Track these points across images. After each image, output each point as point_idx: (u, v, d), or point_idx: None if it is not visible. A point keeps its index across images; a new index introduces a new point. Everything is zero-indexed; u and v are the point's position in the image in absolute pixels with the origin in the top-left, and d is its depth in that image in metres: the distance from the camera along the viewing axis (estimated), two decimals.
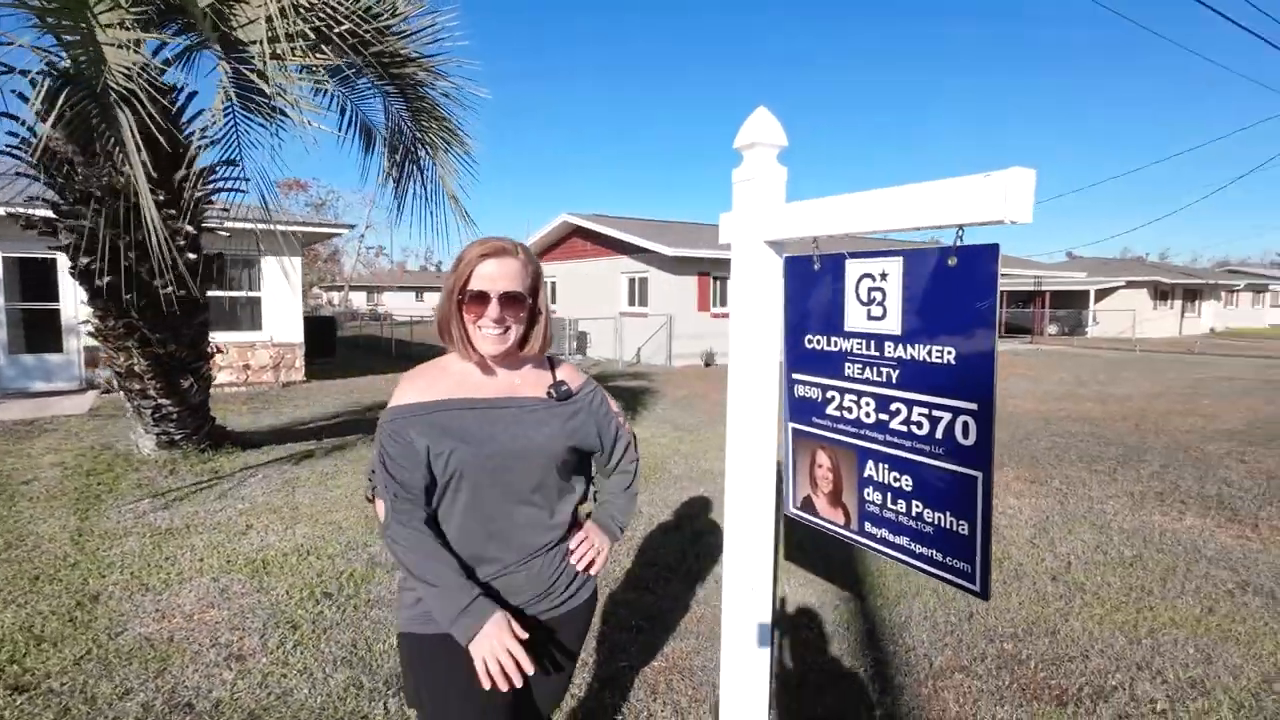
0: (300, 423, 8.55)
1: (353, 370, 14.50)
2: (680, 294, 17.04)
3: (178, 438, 5.96)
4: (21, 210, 4.95)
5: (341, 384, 12.46)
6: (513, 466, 1.49)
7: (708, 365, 16.83)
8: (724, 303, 17.97)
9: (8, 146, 4.60)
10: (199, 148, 3.69)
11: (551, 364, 1.66)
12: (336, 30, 3.70)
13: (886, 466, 1.64)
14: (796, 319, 1.87)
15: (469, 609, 1.34)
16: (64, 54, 3.96)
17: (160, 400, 5.58)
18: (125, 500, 5.14)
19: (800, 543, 4.22)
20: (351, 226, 4.57)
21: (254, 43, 3.57)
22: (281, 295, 12.11)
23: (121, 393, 5.77)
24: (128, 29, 3.21)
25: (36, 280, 10.65)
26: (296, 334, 12.44)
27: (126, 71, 3.14)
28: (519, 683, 1.31)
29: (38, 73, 4.04)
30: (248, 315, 12.07)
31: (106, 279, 4.48)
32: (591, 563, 1.64)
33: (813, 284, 1.81)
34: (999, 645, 3.16)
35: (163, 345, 5.23)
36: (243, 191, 4.73)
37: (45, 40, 3.75)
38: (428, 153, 5.01)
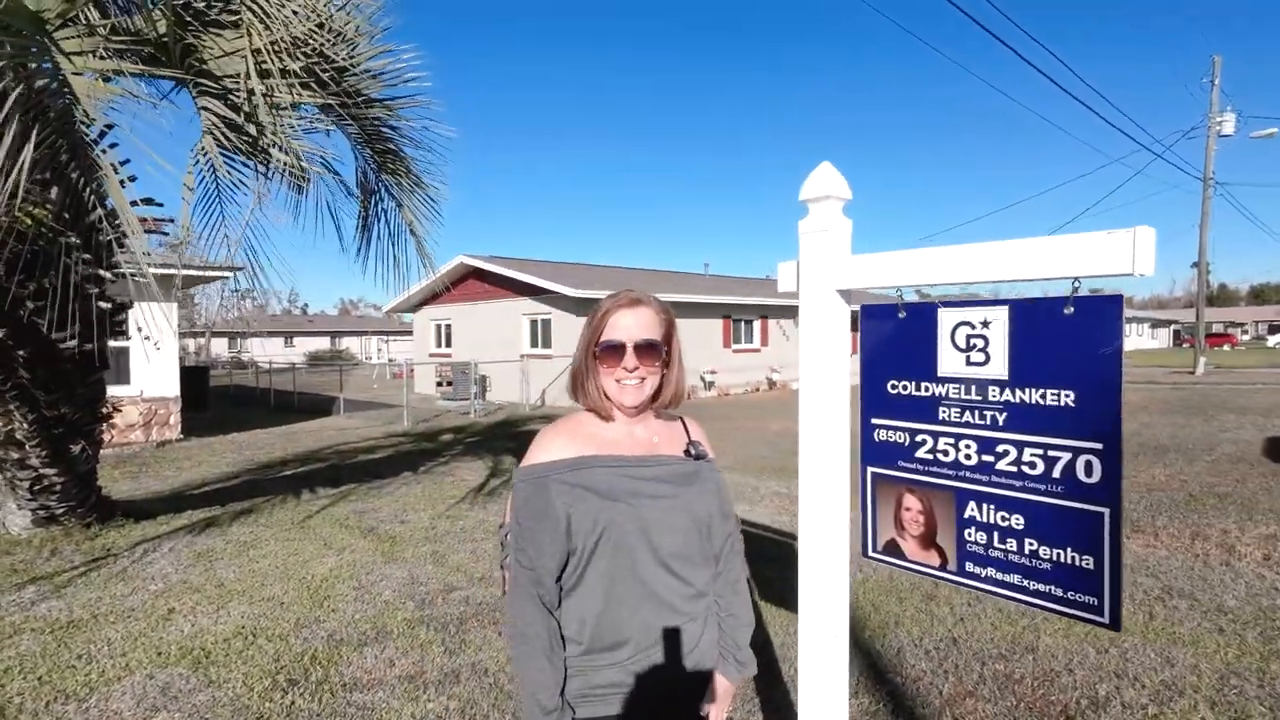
0: (192, 486, 7.68)
1: (232, 425, 13.28)
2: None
3: (59, 512, 5.17)
4: None
5: (226, 440, 11.35)
6: (660, 529, 1.42)
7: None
8: None
9: None
10: (120, 182, 3.28)
11: (683, 421, 1.62)
12: (320, 69, 3.45)
13: (992, 507, 1.69)
14: (875, 365, 1.92)
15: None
16: None
17: (43, 470, 4.82)
18: (2, 591, 4.38)
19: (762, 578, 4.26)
20: (235, 270, 4.19)
21: (233, 76, 3.26)
22: (152, 345, 10.93)
23: None
24: (101, 58, 2.83)
25: None
26: (171, 387, 11.26)
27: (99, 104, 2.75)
28: None
29: None
30: (114, 368, 10.78)
31: (0, 332, 3.85)
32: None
33: (896, 331, 1.86)
34: (992, 667, 3.31)
35: (54, 406, 4.54)
36: (164, 234, 4.27)
37: None
38: (391, 195, 4.74)
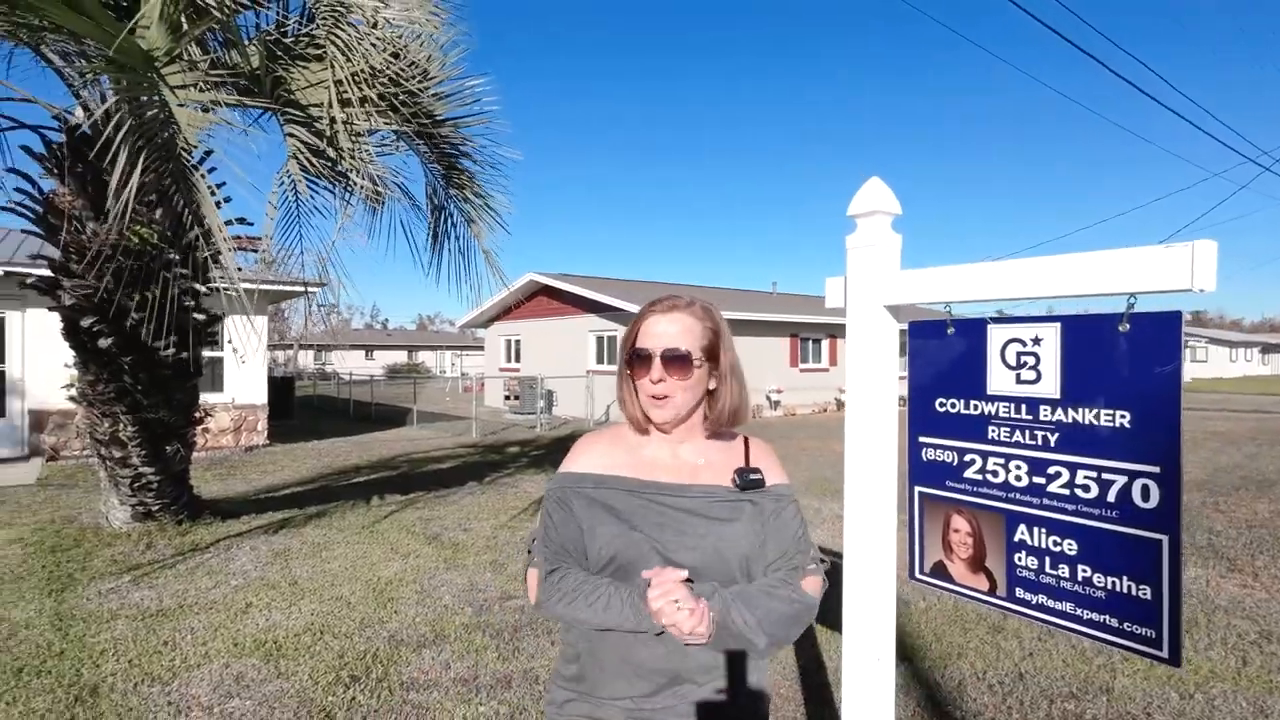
0: (275, 489, 8.12)
1: (314, 433, 13.97)
2: None
3: (155, 509, 5.58)
4: (21, 270, 4.67)
5: (307, 447, 11.95)
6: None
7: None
8: None
9: (11, 202, 4.37)
10: (216, 204, 3.57)
11: (747, 444, 1.42)
12: (394, 97, 3.70)
13: (1043, 530, 1.63)
14: (923, 382, 1.88)
15: (630, 597, 1.18)
16: (74, 110, 3.82)
17: (142, 469, 5.23)
18: (103, 579, 4.74)
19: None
20: (319, 285, 4.47)
21: (317, 105, 3.55)
22: (244, 355, 11.66)
23: (98, 460, 5.38)
24: (201, 90, 3.13)
25: None
26: (260, 396, 11.96)
27: (201, 132, 3.04)
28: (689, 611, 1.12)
29: (45, 128, 3.88)
30: (208, 376, 11.54)
31: (108, 340, 4.22)
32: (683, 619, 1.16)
33: (944, 348, 1.83)
34: (1061, 706, 3.14)
35: (154, 410, 4.93)
36: (254, 250, 4.61)
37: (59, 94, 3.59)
38: (461, 211, 4.99)
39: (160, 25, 3.07)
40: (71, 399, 5.07)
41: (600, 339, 18.65)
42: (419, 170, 4.96)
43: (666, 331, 1.32)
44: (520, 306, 21.43)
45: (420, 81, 4.06)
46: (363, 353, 55.74)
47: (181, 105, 2.94)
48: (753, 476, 1.34)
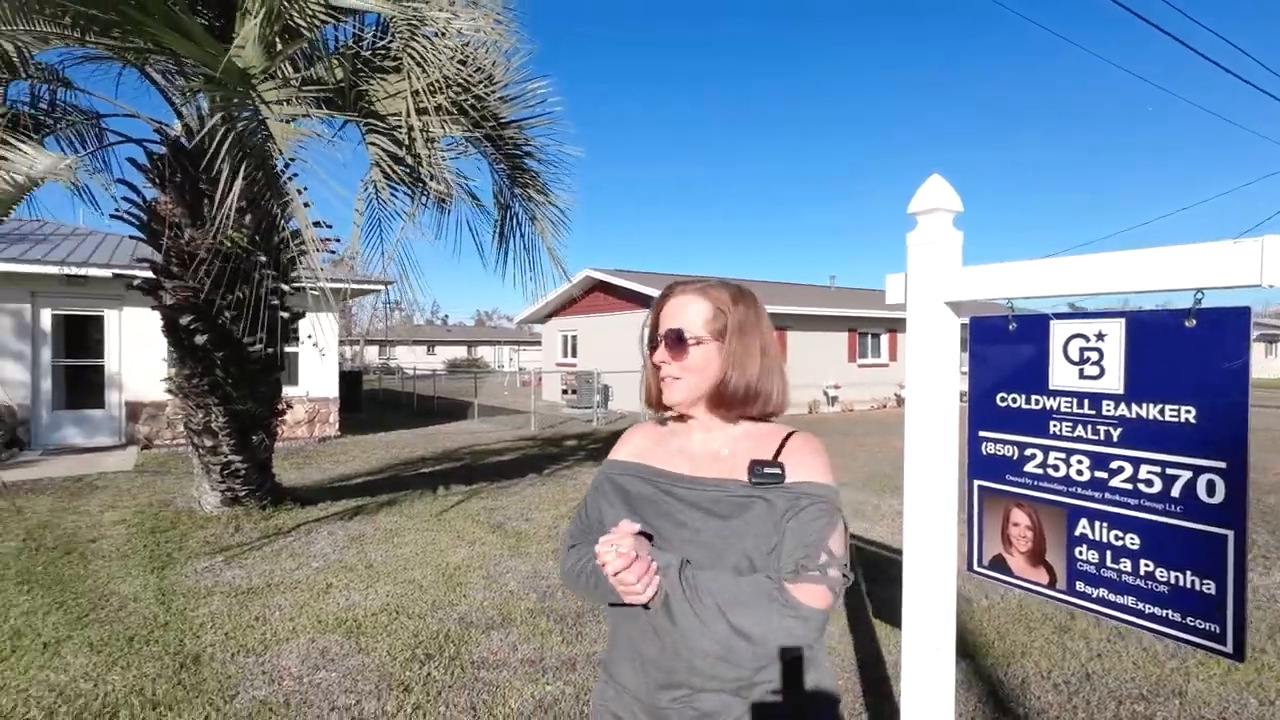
0: (347, 478, 8.53)
1: (381, 425, 14.54)
2: None
3: (242, 494, 5.97)
4: (128, 272, 5.09)
5: (375, 439, 12.46)
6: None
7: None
8: None
9: (120, 210, 4.79)
10: (235, 204, 3.81)
11: (787, 438, 1.28)
12: (464, 102, 3.91)
13: (1105, 525, 1.64)
14: (984, 377, 1.91)
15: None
16: (173, 124, 4.15)
17: (231, 457, 5.61)
18: (198, 558, 5.11)
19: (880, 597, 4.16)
20: (390, 283, 4.70)
21: (395, 114, 3.79)
22: (317, 350, 12.23)
23: (191, 449, 5.80)
24: (292, 105, 3.39)
25: (81, 337, 10.81)
26: (331, 389, 12.52)
27: (294, 143, 3.29)
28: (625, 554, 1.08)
29: (145, 140, 4.23)
30: (285, 370, 12.17)
31: (204, 337, 4.58)
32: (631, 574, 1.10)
33: (1006, 343, 1.85)
34: (1130, 708, 3.08)
35: (242, 402, 5.30)
36: (332, 252, 4.91)
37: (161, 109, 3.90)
38: (525, 210, 5.20)
39: (256, 45, 3.33)
40: (169, 391, 5.47)
41: None
42: (480, 171, 5.19)
43: (671, 313, 1.31)
44: (577, 302, 21.74)
45: (486, 86, 4.25)
46: (424, 348, 57.37)
47: (276, 120, 3.18)
48: (768, 470, 1.19)
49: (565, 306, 22.57)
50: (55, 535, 5.71)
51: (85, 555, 5.17)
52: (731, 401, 1.27)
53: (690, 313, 1.29)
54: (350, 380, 16.76)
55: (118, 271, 6.93)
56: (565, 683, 3.27)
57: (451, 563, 5.06)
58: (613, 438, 9.60)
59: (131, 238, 5.02)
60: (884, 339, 21.00)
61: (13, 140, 3.58)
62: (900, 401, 20.58)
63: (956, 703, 3.04)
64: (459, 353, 59.01)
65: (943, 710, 1.72)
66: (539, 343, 38.46)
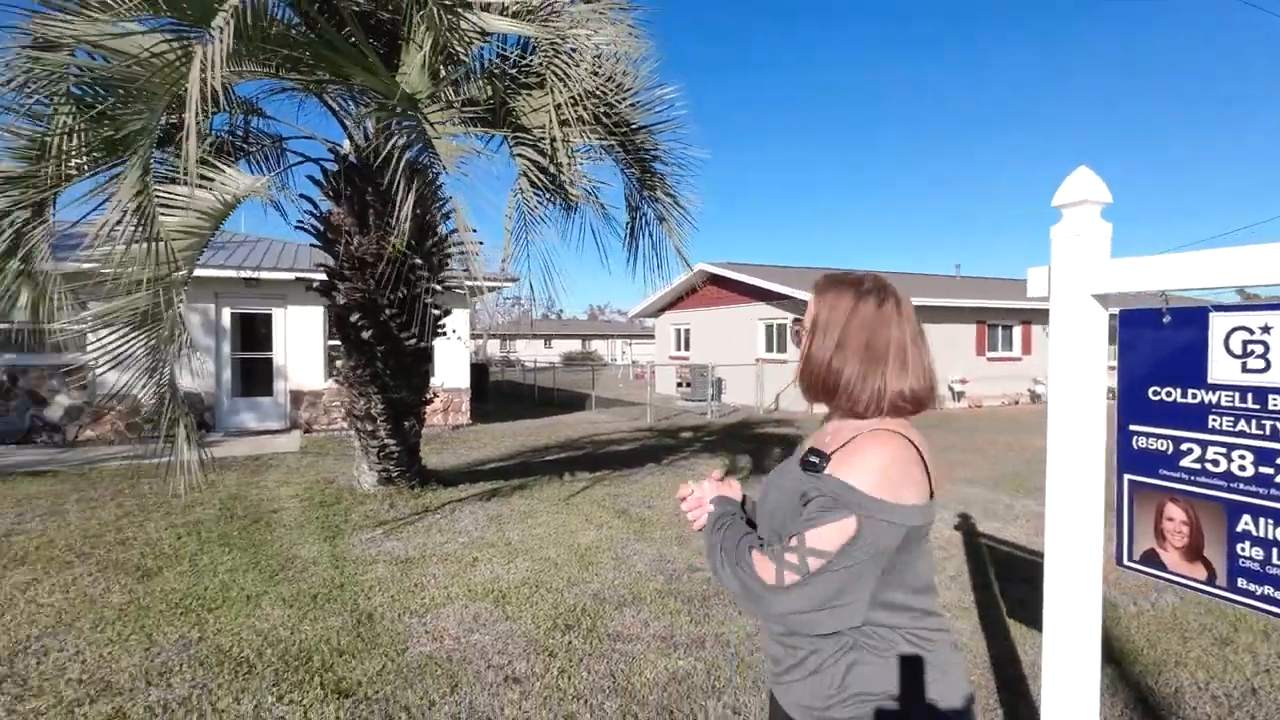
0: (481, 463, 9.16)
1: (506, 415, 15.37)
2: None
3: (394, 475, 6.59)
4: (308, 275, 5.78)
5: (503, 427, 13.21)
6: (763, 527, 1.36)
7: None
8: None
9: (300, 222, 5.50)
10: (443, 216, 4.25)
11: (858, 435, 1.27)
12: (600, 112, 4.20)
13: (1271, 522, 1.61)
14: (1135, 371, 1.89)
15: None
16: (343, 144, 4.70)
17: (386, 440, 6.23)
18: (361, 530, 5.72)
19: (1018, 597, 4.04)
20: (515, 280, 5.10)
21: (540, 127, 4.15)
22: (451, 344, 13.11)
23: (353, 432, 6.49)
24: (450, 124, 3.80)
25: (252, 333, 12.20)
26: (464, 380, 13.40)
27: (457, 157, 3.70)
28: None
29: (322, 159, 4.80)
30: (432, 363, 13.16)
31: (369, 332, 5.16)
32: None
33: (1160, 336, 1.83)
34: None
35: (397, 391, 5.88)
36: (476, 254, 5.34)
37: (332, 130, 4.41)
38: (653, 210, 5.47)
39: (421, 72, 3.74)
40: (336, 381, 6.14)
41: (770, 327, 18.61)
42: (610, 175, 5.47)
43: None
44: (689, 296, 21.91)
45: (618, 94, 4.50)
46: (542, 342, 59.61)
47: (441, 139, 3.56)
48: (811, 460, 1.24)
49: (678, 300, 22.81)
50: (243, 505, 6.56)
51: (269, 524, 5.92)
52: (813, 392, 1.35)
53: (809, 305, 1.39)
54: (479, 372, 17.79)
55: (299, 275, 7.84)
56: (696, 659, 3.45)
57: (582, 543, 5.37)
58: (727, 431, 9.90)
59: (313, 245, 5.71)
60: (1016, 331, 19.74)
61: (219, 164, 4.22)
62: (1035, 398, 19.29)
63: (1101, 705, 2.97)
64: (574, 346, 60.81)
65: (1087, 712, 1.72)
66: (651, 336, 38.97)
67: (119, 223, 3.36)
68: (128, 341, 4.00)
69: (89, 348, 9.52)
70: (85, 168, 4.10)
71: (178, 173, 3.96)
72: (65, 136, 3.84)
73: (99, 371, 4.32)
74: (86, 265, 4.34)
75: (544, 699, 3.07)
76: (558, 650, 3.54)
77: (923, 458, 1.23)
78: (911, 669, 1.22)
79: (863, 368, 1.27)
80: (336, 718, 2.90)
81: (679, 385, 19.20)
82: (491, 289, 11.98)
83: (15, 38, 3.93)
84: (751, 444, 10.95)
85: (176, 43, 3.17)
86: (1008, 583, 4.51)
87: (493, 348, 56.73)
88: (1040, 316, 19.74)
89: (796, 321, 1.38)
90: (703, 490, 1.43)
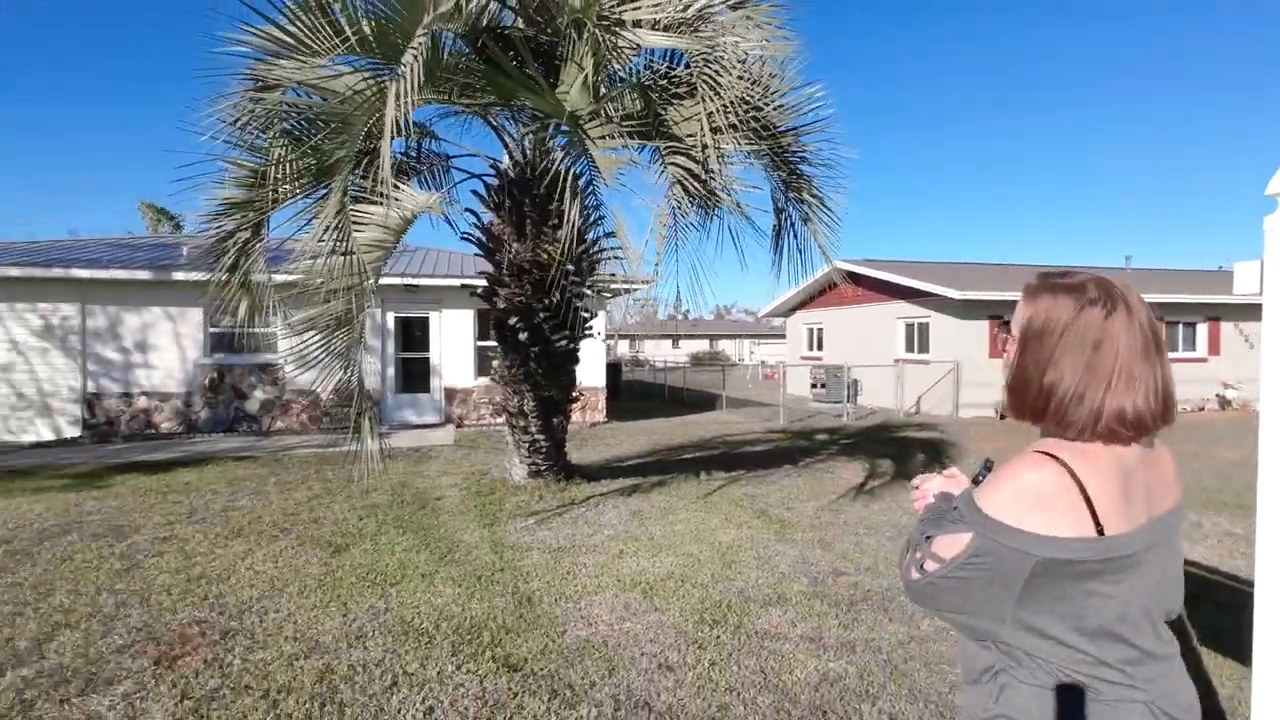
0: (619, 460, 9.47)
1: (639, 413, 15.73)
2: (968, 339, 15.86)
3: (542, 468, 6.99)
4: (472, 282, 6.31)
5: (636, 426, 13.56)
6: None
7: (1002, 418, 15.34)
8: None
9: (465, 234, 6.03)
10: (574, 220, 4.48)
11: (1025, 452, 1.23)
12: (748, 117, 4.30)
13: None
14: None
15: None
16: (502, 159, 5.09)
17: (537, 436, 6.63)
18: (514, 519, 6.13)
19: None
20: (648, 282, 5.23)
21: (691, 135, 4.32)
22: (588, 344, 13.62)
23: (507, 428, 6.96)
24: (610, 138, 4.06)
25: (411, 335, 13.31)
26: (600, 379, 13.89)
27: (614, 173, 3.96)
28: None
29: (483, 175, 5.22)
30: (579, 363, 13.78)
31: (525, 334, 5.55)
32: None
33: None
34: None
35: (547, 389, 6.26)
36: (620, 258, 5.59)
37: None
38: (798, 211, 5.50)
39: (582, 90, 3.99)
40: (492, 380, 6.61)
41: (910, 326, 17.77)
42: (755, 178, 5.51)
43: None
44: (823, 294, 21.34)
45: (764, 97, 4.54)
46: (669, 342, 60.23)
47: (600, 152, 3.79)
48: (976, 477, 1.25)
49: (810, 299, 22.30)
50: (411, 492, 7.21)
51: (435, 510, 6.47)
52: (1019, 410, 1.24)
53: (1018, 310, 1.26)
54: (612, 371, 18.34)
55: (464, 281, 8.51)
56: (848, 662, 3.43)
57: (723, 542, 5.45)
58: (864, 434, 9.62)
59: (475, 254, 6.22)
60: (1200, 329, 17.61)
61: (398, 184, 4.72)
62: (1224, 404, 17.11)
63: None
64: (701, 346, 60.93)
65: None
66: (780, 336, 38.26)
67: (322, 239, 3.85)
68: (326, 343, 4.55)
69: (282, 349, 10.78)
70: (293, 192, 4.72)
71: (365, 193, 4.48)
72: (278, 166, 4.45)
73: (294, 371, 4.94)
74: (290, 277, 4.97)
75: (697, 688, 3.18)
76: (707, 643, 3.65)
77: (1082, 488, 1.07)
78: (1068, 706, 1.11)
79: (1079, 387, 1.13)
80: (509, 688, 3.17)
81: (813, 386, 18.78)
82: (628, 290, 12.33)
83: (240, 82, 4.59)
84: (891, 448, 10.55)
85: (372, 79, 3.59)
86: (1198, 607, 4.09)
87: (621, 347, 58.03)
88: (1232, 312, 17.47)
89: (1003, 327, 1.31)
90: (932, 483, 1.42)
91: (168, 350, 11.99)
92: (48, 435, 11.50)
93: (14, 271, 11.21)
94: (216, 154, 4.65)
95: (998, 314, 15.99)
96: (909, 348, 17.81)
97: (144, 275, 11.64)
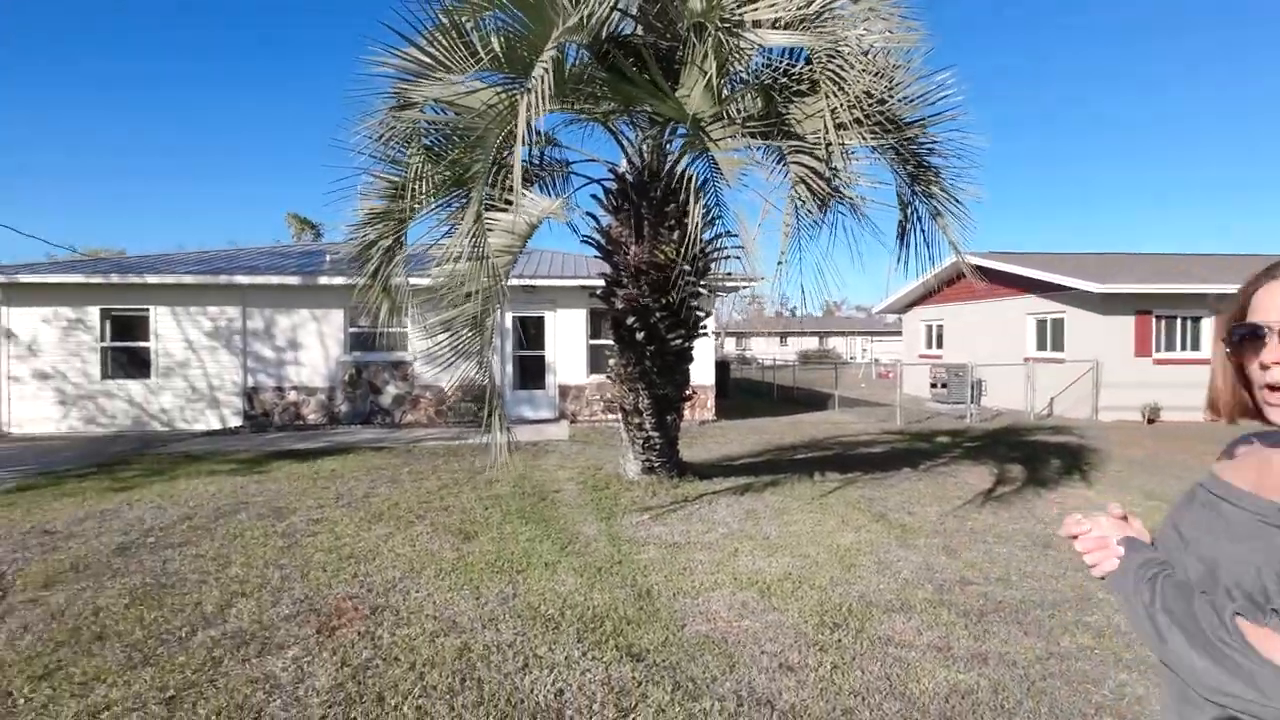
0: (730, 458, 9.47)
1: (747, 412, 15.62)
2: (1110, 336, 14.63)
3: (655, 465, 7.12)
4: (591, 283, 6.53)
5: (744, 424, 13.48)
6: (1201, 589, 1.03)
7: (1151, 421, 14.03)
8: (1174, 346, 14.88)
9: (585, 237, 6.28)
10: (700, 222, 4.53)
11: None
12: (873, 111, 4.23)
13: None
14: None
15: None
16: (620, 162, 5.25)
17: (651, 433, 6.76)
18: (629, 514, 6.28)
19: None
20: (761, 279, 5.23)
21: (813, 133, 4.32)
22: (698, 342, 13.67)
23: (622, 424, 7.14)
24: (732, 139, 4.14)
25: (527, 334, 13.86)
26: (708, 377, 13.91)
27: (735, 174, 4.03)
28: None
29: (602, 179, 5.39)
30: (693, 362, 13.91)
31: (641, 333, 5.70)
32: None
33: None
34: None
35: (662, 387, 6.38)
36: (734, 258, 5.61)
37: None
38: (926, 205, 5.33)
39: (704, 93, 4.06)
40: (608, 377, 6.82)
41: (1042, 322, 16.59)
42: (877, 173, 5.37)
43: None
44: (942, 289, 20.29)
45: (889, 89, 4.41)
46: (777, 339, 59.24)
47: (722, 154, 3.84)
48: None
49: (928, 295, 21.27)
50: (531, 484, 7.54)
51: (554, 502, 6.74)
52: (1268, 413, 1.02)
53: (1258, 299, 1.04)
54: (721, 369, 18.29)
55: (583, 283, 8.82)
56: (979, 675, 3.30)
57: (841, 544, 5.35)
58: (990, 437, 9.09)
59: (596, 257, 6.44)
60: None
61: (524, 192, 4.97)
62: None
63: None
64: (810, 343, 59.54)
65: None
66: (895, 333, 36.70)
67: (461, 245, 4.13)
68: (458, 342, 4.86)
69: (418, 349, 11.55)
70: (428, 202, 5.08)
71: (494, 201, 4.75)
72: (417, 178, 4.81)
73: (427, 369, 5.28)
74: (426, 281, 5.34)
75: (820, 690, 3.16)
76: (828, 646, 3.61)
77: None
78: None
79: None
80: (633, 677, 3.28)
81: (932, 386, 17.95)
82: (748, 286, 12.29)
83: (384, 100, 4.98)
84: (1022, 452, 9.92)
85: (504, 93, 3.81)
86: None
87: (727, 345, 57.65)
88: None
89: (1236, 326, 1.07)
90: (1100, 527, 1.18)
91: (313, 349, 13.13)
92: (215, 425, 12.90)
93: (189, 279, 12.65)
94: (363, 168, 5.11)
95: (1146, 308, 14.65)
96: (1040, 345, 16.64)
97: (294, 280, 12.81)
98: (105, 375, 12.76)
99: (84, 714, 2.96)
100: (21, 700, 3.08)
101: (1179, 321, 14.94)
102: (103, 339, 12.74)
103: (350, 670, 3.35)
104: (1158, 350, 14.82)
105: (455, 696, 3.10)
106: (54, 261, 19.15)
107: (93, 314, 12.67)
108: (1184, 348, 14.92)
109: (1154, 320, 14.77)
